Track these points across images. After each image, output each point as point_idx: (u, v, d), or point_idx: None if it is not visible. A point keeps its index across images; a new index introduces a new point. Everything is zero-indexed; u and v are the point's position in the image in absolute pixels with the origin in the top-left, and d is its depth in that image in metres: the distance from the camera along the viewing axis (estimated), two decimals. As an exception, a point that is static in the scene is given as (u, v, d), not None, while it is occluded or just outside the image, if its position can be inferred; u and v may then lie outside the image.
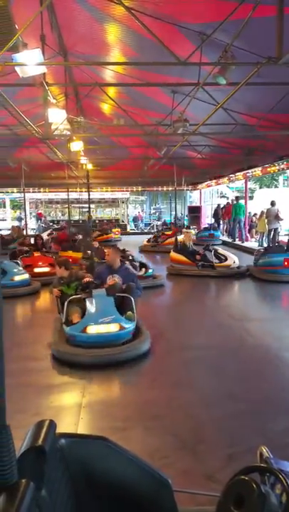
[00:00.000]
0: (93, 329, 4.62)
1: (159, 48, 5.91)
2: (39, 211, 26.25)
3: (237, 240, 16.46)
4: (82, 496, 1.36)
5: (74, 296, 5.06)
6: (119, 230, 21.05)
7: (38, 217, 26.06)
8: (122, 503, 1.39)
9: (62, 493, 1.26)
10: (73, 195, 26.10)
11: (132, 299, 5.05)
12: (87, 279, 5.30)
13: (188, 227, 17.04)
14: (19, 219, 26.67)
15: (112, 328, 4.66)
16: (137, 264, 8.76)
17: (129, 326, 4.76)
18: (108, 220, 25.40)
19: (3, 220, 30.02)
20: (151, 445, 2.92)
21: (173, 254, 10.79)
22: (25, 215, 18.50)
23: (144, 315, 5.60)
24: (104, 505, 1.40)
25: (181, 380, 4.14)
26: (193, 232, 16.42)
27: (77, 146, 11.11)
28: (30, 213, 27.62)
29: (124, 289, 5.18)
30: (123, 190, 25.29)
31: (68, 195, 13.15)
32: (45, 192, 24.34)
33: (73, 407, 3.54)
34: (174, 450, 2.88)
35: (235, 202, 17.03)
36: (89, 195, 9.98)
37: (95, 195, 26.09)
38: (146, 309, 6.43)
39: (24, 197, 16.65)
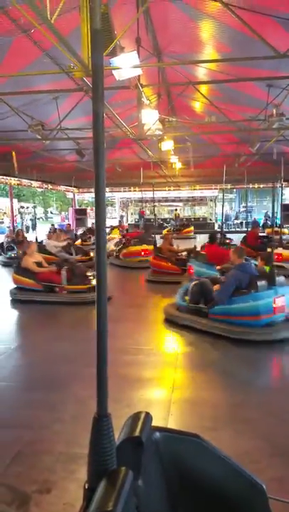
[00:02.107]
0: None
1: (252, 41, 5.71)
2: (142, 209, 27.19)
3: None
4: (174, 491, 1.37)
5: None
6: (191, 229, 22.36)
7: (141, 215, 26.94)
8: (214, 503, 1.37)
9: (156, 485, 1.28)
10: (162, 194, 26.59)
11: None
12: None
13: (280, 226, 16.16)
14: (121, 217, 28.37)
15: None
16: None
17: None
18: (180, 219, 25.87)
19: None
20: (242, 448, 2.84)
21: None
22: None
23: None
24: (196, 502, 1.39)
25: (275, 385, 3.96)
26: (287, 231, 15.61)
27: (167, 145, 11.24)
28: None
29: None
30: (212, 188, 24.96)
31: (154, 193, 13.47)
32: (135, 191, 25.06)
33: (163, 402, 3.59)
34: (266, 456, 2.77)
35: None
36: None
37: (184, 193, 26.18)
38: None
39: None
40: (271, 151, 13.10)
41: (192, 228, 22.40)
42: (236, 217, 29.06)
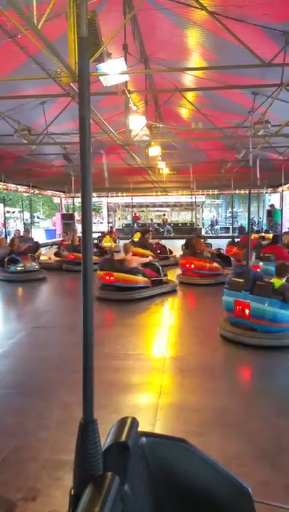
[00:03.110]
0: None
1: (239, 50, 5.81)
2: (136, 215, 27.24)
3: None
4: (160, 496, 1.38)
5: None
6: None
7: (135, 220, 26.95)
8: (200, 506, 1.38)
9: (142, 490, 1.28)
10: (150, 199, 26.69)
11: None
12: None
13: (266, 232, 16.46)
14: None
15: None
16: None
17: None
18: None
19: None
20: (228, 452, 2.85)
21: None
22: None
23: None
24: (182, 506, 1.39)
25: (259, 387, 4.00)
26: None
27: (155, 151, 11.31)
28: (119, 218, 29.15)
29: None
30: (198, 194, 25.18)
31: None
32: (122, 196, 25.10)
33: (150, 408, 3.59)
34: (251, 459, 2.79)
35: None
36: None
37: (171, 198, 26.33)
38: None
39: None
40: (256, 157, 13.29)
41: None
42: (213, 224, 29.27)
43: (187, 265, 9.43)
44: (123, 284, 7.74)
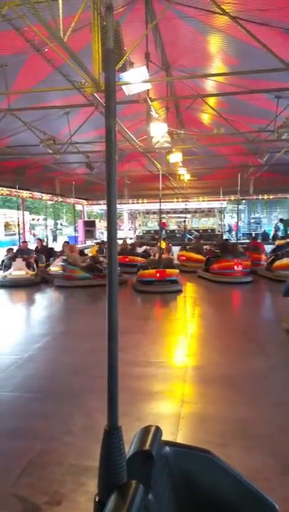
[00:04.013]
0: None
1: (261, 53, 5.78)
2: (163, 221, 27.23)
3: None
4: (183, 506, 1.36)
5: None
6: None
7: (163, 226, 26.99)
8: None
9: (166, 500, 1.28)
10: (170, 206, 26.62)
11: None
12: None
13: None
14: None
15: None
16: None
17: None
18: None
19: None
20: (252, 465, 2.80)
21: None
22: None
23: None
24: None
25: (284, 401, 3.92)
26: None
27: (176, 157, 11.32)
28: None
29: None
30: (220, 200, 24.99)
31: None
32: (143, 203, 25.16)
33: (172, 416, 3.57)
34: (276, 473, 2.73)
35: None
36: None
37: (192, 205, 26.20)
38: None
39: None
40: (280, 161, 13.13)
41: None
42: (231, 229, 28.97)
43: (235, 267, 11.00)
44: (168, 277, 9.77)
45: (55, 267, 11.31)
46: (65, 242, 13.84)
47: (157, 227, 27.34)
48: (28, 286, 10.60)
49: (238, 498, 1.35)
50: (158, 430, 1.32)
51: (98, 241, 18.79)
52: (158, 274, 9.63)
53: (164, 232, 25.61)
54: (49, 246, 13.53)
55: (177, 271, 10.22)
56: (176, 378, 4.44)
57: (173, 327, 6.77)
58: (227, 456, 2.78)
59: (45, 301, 9.70)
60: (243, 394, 4.12)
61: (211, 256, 12.12)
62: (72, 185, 14.42)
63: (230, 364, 4.88)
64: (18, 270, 10.95)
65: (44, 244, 14.03)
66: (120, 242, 16.86)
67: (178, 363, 5.03)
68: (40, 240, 14.53)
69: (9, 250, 12.04)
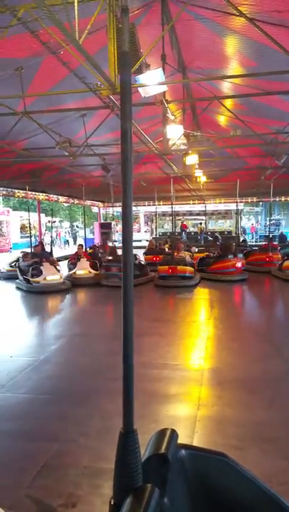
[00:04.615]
0: None
1: (279, 55, 5.70)
2: (183, 223, 27.19)
3: None
4: (198, 510, 1.34)
5: None
6: None
7: (183, 228, 26.96)
8: None
9: (182, 504, 1.26)
10: (186, 208, 26.53)
11: None
12: None
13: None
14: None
15: None
16: None
17: None
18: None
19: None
20: (268, 469, 2.75)
21: None
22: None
23: None
24: None
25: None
26: None
27: (192, 159, 11.28)
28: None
29: None
30: (237, 202, 24.81)
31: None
32: (159, 205, 25.13)
33: (188, 419, 3.54)
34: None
35: None
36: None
37: (208, 207, 26.08)
38: None
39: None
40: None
41: None
42: (245, 231, 28.71)
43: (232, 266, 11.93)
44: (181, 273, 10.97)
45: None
46: (80, 245, 13.87)
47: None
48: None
49: (254, 503, 1.32)
50: (174, 433, 1.30)
51: (91, 245, 18.07)
52: (170, 270, 11.01)
53: (183, 233, 25.56)
54: (48, 250, 13.14)
55: (191, 268, 11.28)
56: (192, 381, 4.41)
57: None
58: (243, 459, 2.76)
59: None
60: (259, 397, 4.07)
61: (206, 256, 13.02)
62: (82, 188, 14.43)
63: (247, 366, 4.82)
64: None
65: (46, 246, 13.80)
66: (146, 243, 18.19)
67: (194, 365, 4.99)
68: (41, 243, 14.36)
69: (26, 255, 11.98)
